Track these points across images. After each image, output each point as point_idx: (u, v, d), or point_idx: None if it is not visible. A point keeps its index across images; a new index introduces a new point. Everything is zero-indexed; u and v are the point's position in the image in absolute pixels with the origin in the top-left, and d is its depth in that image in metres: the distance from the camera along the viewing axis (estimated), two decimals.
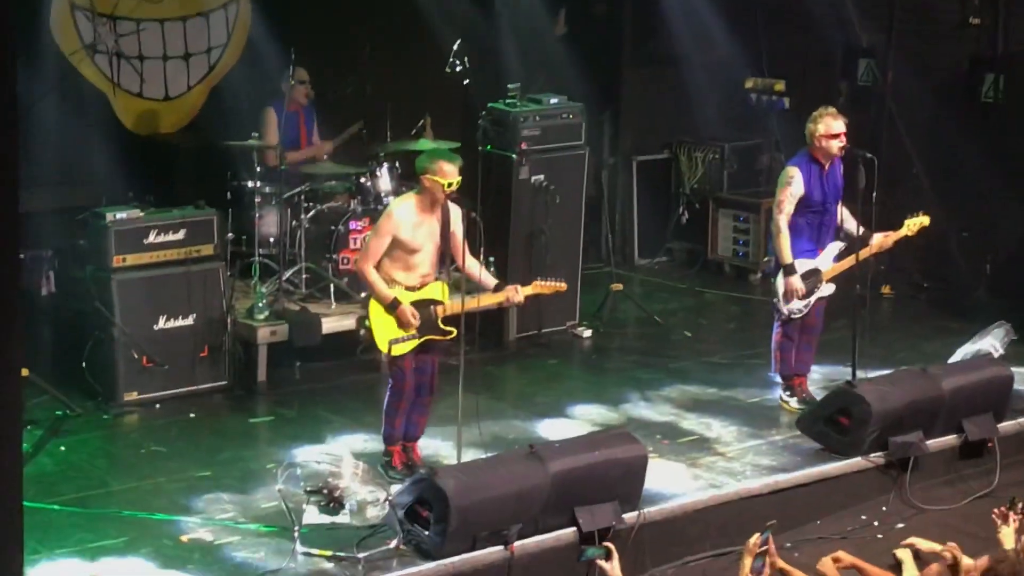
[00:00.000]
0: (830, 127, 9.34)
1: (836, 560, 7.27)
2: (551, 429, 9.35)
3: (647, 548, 7.99)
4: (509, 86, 11.25)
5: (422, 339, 8.36)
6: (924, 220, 9.72)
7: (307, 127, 11.23)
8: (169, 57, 11.53)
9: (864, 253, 9.46)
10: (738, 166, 13.23)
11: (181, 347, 9.67)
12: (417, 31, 11.74)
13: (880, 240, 9.57)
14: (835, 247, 9.59)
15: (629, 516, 7.97)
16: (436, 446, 8.82)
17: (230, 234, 10.17)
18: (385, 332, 8.31)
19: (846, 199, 9.59)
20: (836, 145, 9.35)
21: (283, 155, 10.60)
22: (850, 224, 9.53)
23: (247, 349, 9.95)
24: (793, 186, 9.39)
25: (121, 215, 9.53)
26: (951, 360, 10.13)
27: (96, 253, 9.55)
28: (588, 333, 11.34)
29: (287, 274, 10.37)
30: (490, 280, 8.61)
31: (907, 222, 9.67)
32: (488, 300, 8.57)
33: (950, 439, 9.32)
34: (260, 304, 10.03)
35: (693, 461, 8.93)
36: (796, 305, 9.53)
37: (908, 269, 12.15)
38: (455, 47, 10.68)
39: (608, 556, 6.77)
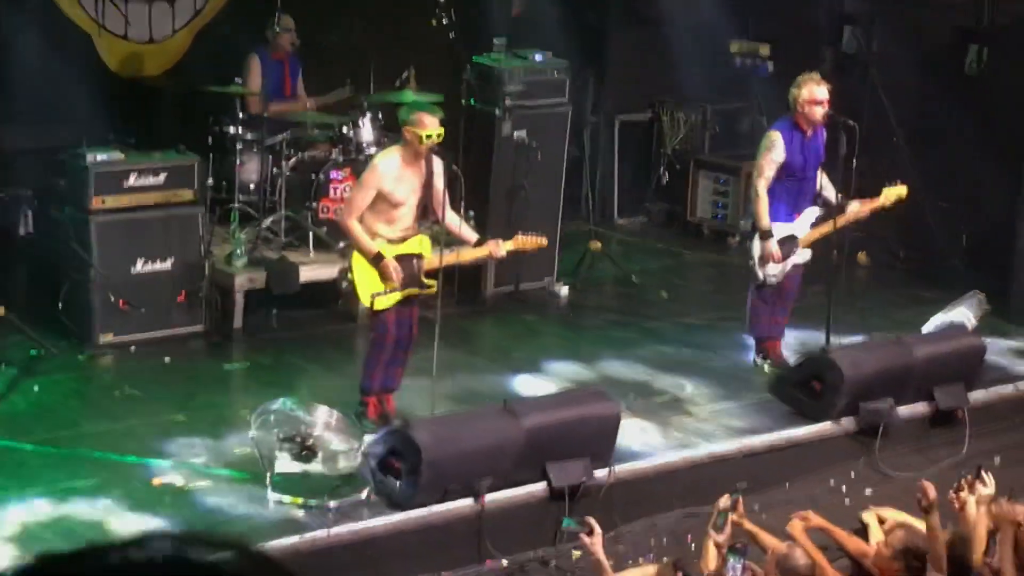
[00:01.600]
0: (814, 93, 9.34)
1: (804, 519, 7.33)
2: (525, 385, 9.39)
3: (617, 506, 8.04)
4: (495, 40, 11.21)
5: (404, 293, 8.37)
6: (901, 191, 9.75)
7: (291, 76, 11.18)
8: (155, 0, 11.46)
9: (841, 221, 9.49)
10: (720, 128, 13.23)
11: (158, 291, 9.66)
12: None
13: (856, 208, 9.59)
14: (812, 213, 9.61)
15: (600, 473, 8.02)
16: (410, 399, 8.84)
17: (210, 180, 10.14)
18: (368, 286, 8.31)
19: (828, 166, 9.62)
20: (819, 112, 9.35)
21: (266, 102, 10.56)
22: (829, 191, 9.56)
23: (224, 295, 9.93)
24: (774, 151, 9.41)
25: (102, 156, 9.49)
26: (924, 329, 10.18)
27: (75, 194, 9.52)
28: (565, 290, 11.36)
29: (266, 222, 10.36)
30: (471, 235, 8.61)
31: (884, 191, 9.70)
32: (470, 254, 8.58)
33: (921, 407, 9.38)
34: (239, 251, 10.02)
35: (665, 421, 8.98)
36: (772, 270, 9.56)
37: (885, 237, 12.19)
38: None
39: (591, 532, 6.72)
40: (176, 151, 9.83)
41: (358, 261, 8.32)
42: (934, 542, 6.80)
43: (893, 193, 9.70)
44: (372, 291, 8.30)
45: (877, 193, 9.71)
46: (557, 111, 11.29)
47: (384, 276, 8.29)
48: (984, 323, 10.35)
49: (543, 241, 8.76)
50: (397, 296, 8.36)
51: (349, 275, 8.37)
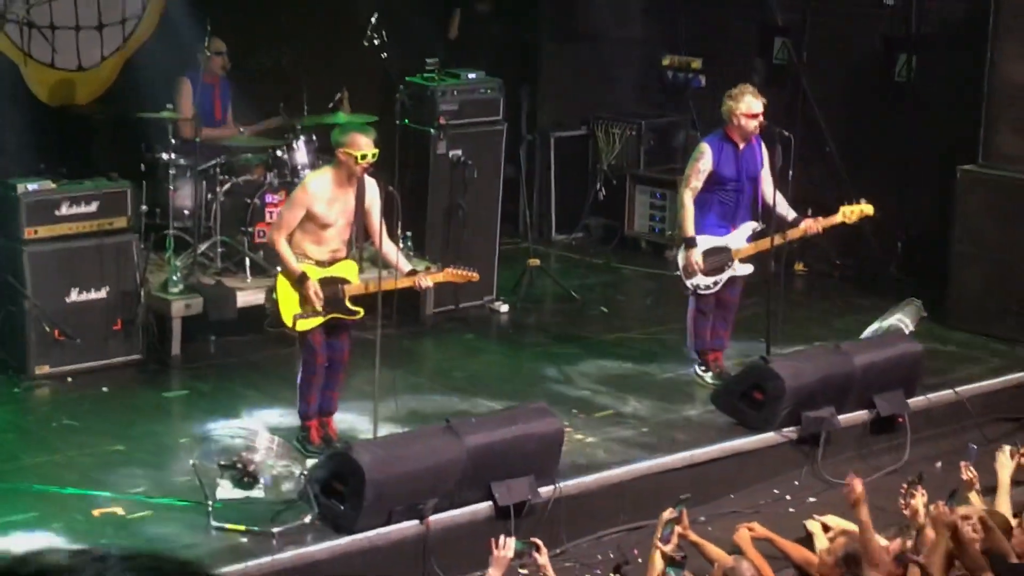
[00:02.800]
0: (751, 107, 9.34)
1: (750, 529, 7.35)
2: (468, 404, 9.36)
3: (562, 522, 8.02)
4: (427, 60, 11.20)
5: (327, 317, 8.32)
6: (867, 209, 9.68)
7: (222, 100, 11.12)
8: (82, 27, 11.37)
9: (793, 234, 9.51)
10: (655, 143, 13.28)
11: (94, 320, 9.56)
12: (335, 3, 11.65)
13: (808, 225, 9.52)
14: (749, 227, 9.61)
15: (545, 490, 8.00)
16: (352, 421, 8.80)
17: (144, 206, 10.06)
18: (290, 306, 8.25)
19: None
20: (753, 124, 9.36)
21: (199, 127, 10.49)
22: (781, 208, 9.52)
23: (161, 323, 9.85)
24: (702, 162, 9.42)
25: (33, 186, 9.39)
26: (863, 336, 10.24)
27: (7, 225, 9.40)
28: (505, 308, 11.35)
29: (202, 247, 10.28)
30: (405, 265, 8.55)
31: (843, 209, 9.67)
32: (396, 284, 8.50)
33: (861, 415, 9.43)
34: (174, 277, 9.94)
35: (609, 435, 8.98)
36: (701, 280, 9.56)
37: (821, 246, 12.27)
38: (372, 20, 10.61)
39: (537, 549, 6.73)
40: (108, 179, 9.74)
41: (282, 282, 8.26)
42: (865, 538, 6.84)
43: (855, 211, 9.66)
44: (294, 312, 8.24)
45: (813, 204, 9.74)
46: (492, 129, 11.29)
47: (305, 299, 8.24)
48: (921, 329, 10.43)
49: (474, 276, 8.71)
50: (319, 319, 8.30)
51: (273, 295, 8.32)
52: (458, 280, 8.74)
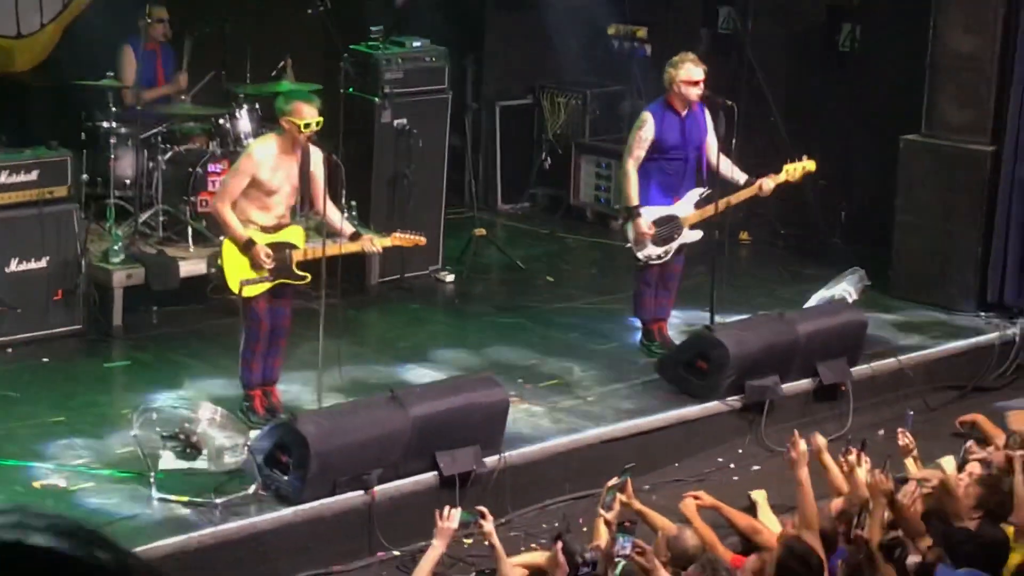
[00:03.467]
0: (690, 73, 9.35)
1: (696, 498, 7.38)
2: (413, 374, 9.33)
3: (508, 492, 8.03)
4: (372, 28, 11.12)
5: (275, 282, 8.27)
6: (808, 165, 9.75)
7: (164, 67, 11.00)
8: None
9: (745, 195, 9.53)
10: (600, 112, 13.25)
11: (34, 290, 9.45)
12: None
13: (763, 181, 9.52)
14: (695, 193, 9.62)
15: (490, 460, 8.00)
16: (297, 391, 8.75)
17: (85, 175, 9.94)
18: (237, 272, 8.19)
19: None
20: (694, 92, 9.36)
21: (140, 95, 10.38)
22: (734, 172, 9.53)
23: (102, 293, 9.75)
24: (644, 130, 9.40)
25: None
26: (806, 305, 10.29)
27: None
28: (451, 278, 11.32)
29: (143, 216, 10.19)
30: (348, 228, 8.52)
31: (786, 168, 9.71)
32: (344, 249, 8.47)
33: (805, 383, 9.48)
34: (116, 247, 9.84)
35: (554, 405, 8.98)
36: (653, 250, 9.56)
37: (765, 216, 12.31)
38: None
39: (483, 517, 6.73)
40: (48, 147, 9.62)
41: (228, 248, 8.20)
42: (803, 496, 6.88)
43: (798, 168, 9.72)
44: (241, 278, 8.19)
45: (757, 173, 9.74)
46: (437, 98, 11.24)
47: (254, 263, 8.18)
48: (864, 298, 10.48)
49: (421, 240, 8.70)
50: (267, 285, 8.24)
51: (219, 261, 8.25)
52: (405, 244, 8.72)
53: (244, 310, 8.39)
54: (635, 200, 9.44)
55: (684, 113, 9.42)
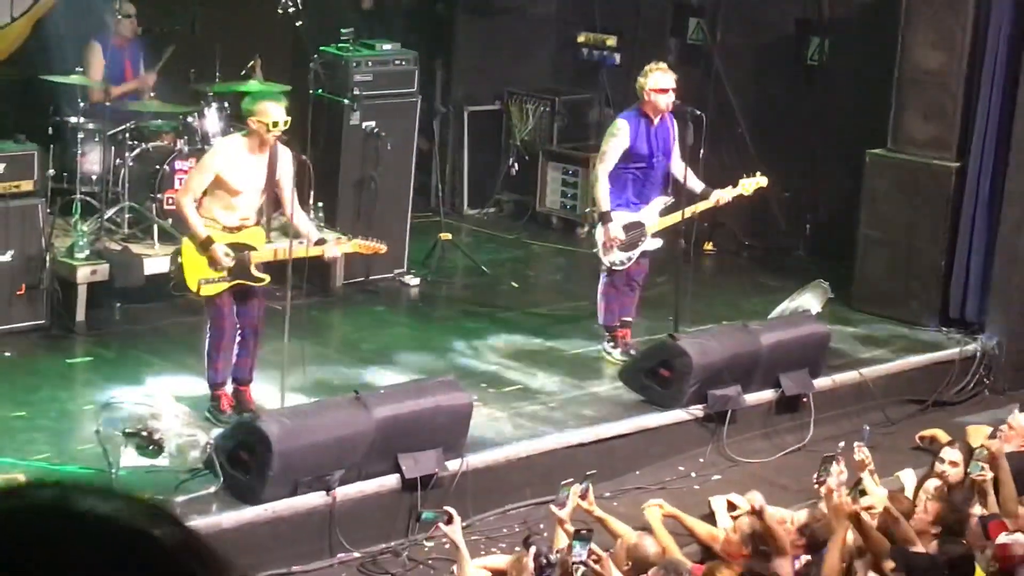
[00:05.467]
0: (659, 81, 9.42)
1: (660, 506, 7.40)
2: (377, 376, 9.33)
3: (469, 496, 8.03)
4: (342, 30, 11.12)
5: (233, 283, 8.24)
6: (761, 181, 9.87)
7: (132, 64, 10.96)
8: None
9: (703, 206, 9.60)
10: (568, 119, 13.29)
11: None
12: None
13: (720, 195, 9.64)
14: (660, 201, 9.68)
15: (452, 463, 8.00)
16: (260, 391, 8.73)
17: (51, 170, 9.91)
18: (195, 271, 8.17)
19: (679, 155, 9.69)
20: (664, 100, 9.43)
21: (108, 91, 10.35)
22: (692, 182, 9.60)
23: (66, 288, 9.71)
24: (618, 138, 9.46)
25: None
26: (770, 317, 10.34)
27: None
28: (415, 281, 11.32)
29: (109, 213, 10.15)
30: (314, 233, 8.51)
31: (741, 182, 9.79)
32: (303, 253, 8.43)
33: (767, 393, 9.52)
34: (81, 243, 9.80)
35: (517, 410, 8.99)
36: (618, 256, 9.61)
37: (730, 227, 12.36)
38: None
39: (449, 520, 6.73)
40: (15, 141, 9.58)
41: (188, 245, 8.18)
42: (775, 531, 6.91)
43: (752, 184, 9.80)
44: (200, 276, 8.17)
45: (723, 184, 9.81)
46: (406, 101, 11.25)
47: (212, 262, 8.15)
48: (827, 311, 10.54)
49: (381, 248, 8.69)
50: (225, 285, 8.22)
51: (178, 259, 8.22)
52: (366, 251, 8.71)
53: (207, 308, 8.37)
54: (606, 206, 9.49)
55: (656, 121, 9.49)
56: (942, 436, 8.84)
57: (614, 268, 9.65)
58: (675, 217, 9.61)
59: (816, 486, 7.25)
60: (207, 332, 8.38)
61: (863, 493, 7.56)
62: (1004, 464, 7.60)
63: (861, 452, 7.85)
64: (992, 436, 8.00)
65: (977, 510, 7.45)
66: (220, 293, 8.23)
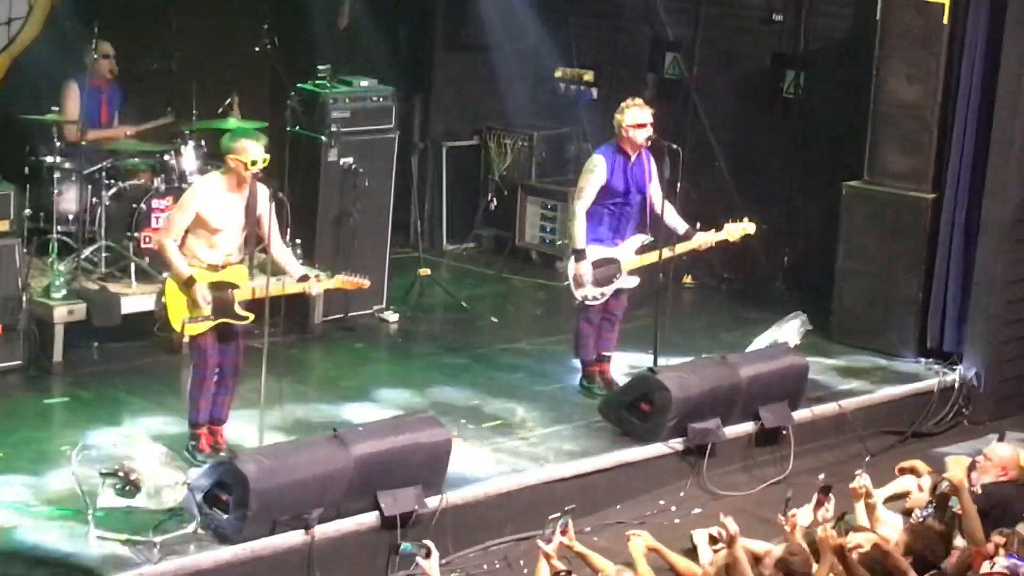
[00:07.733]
0: (636, 117, 9.45)
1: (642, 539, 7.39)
2: (356, 413, 9.31)
3: (450, 532, 8.00)
4: (319, 67, 11.14)
5: (217, 322, 8.24)
6: (749, 228, 9.85)
7: (109, 104, 10.96)
8: None
9: (684, 248, 9.60)
10: (547, 154, 13.33)
11: None
12: (225, 7, 11.54)
13: (704, 238, 9.64)
14: (637, 240, 9.68)
15: (432, 500, 7.98)
16: (238, 429, 8.70)
17: (27, 210, 9.90)
18: (179, 310, 8.16)
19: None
20: (642, 135, 9.45)
21: (84, 130, 10.34)
22: (672, 220, 9.60)
23: (43, 328, 9.68)
24: (596, 174, 9.48)
25: None
26: (749, 349, 10.35)
27: None
28: (395, 317, 11.31)
29: (86, 252, 10.14)
30: (298, 269, 8.52)
31: (727, 227, 9.79)
32: (287, 289, 8.44)
33: (747, 426, 9.52)
34: (57, 282, 9.78)
35: (497, 446, 8.98)
36: (589, 292, 9.62)
37: (709, 260, 12.38)
38: (265, 26, 10.52)
39: (428, 554, 6.73)
40: None
41: (171, 285, 8.18)
42: (740, 561, 6.90)
43: (739, 231, 9.79)
44: (183, 316, 8.16)
45: (701, 218, 9.82)
46: (384, 137, 11.26)
47: (193, 302, 8.15)
48: (806, 343, 10.56)
49: (365, 283, 8.68)
50: (208, 324, 8.21)
51: (162, 299, 8.22)
52: (349, 287, 8.71)
53: (191, 348, 8.36)
54: (581, 244, 9.50)
55: (633, 157, 9.50)
56: (921, 467, 8.85)
57: (586, 303, 9.66)
58: (652, 256, 9.58)
59: (782, 521, 7.26)
60: (191, 372, 8.36)
61: (849, 526, 7.57)
62: (966, 495, 7.60)
63: (861, 478, 7.85)
64: (971, 467, 8.01)
65: (959, 542, 7.46)
66: (203, 332, 8.22)
